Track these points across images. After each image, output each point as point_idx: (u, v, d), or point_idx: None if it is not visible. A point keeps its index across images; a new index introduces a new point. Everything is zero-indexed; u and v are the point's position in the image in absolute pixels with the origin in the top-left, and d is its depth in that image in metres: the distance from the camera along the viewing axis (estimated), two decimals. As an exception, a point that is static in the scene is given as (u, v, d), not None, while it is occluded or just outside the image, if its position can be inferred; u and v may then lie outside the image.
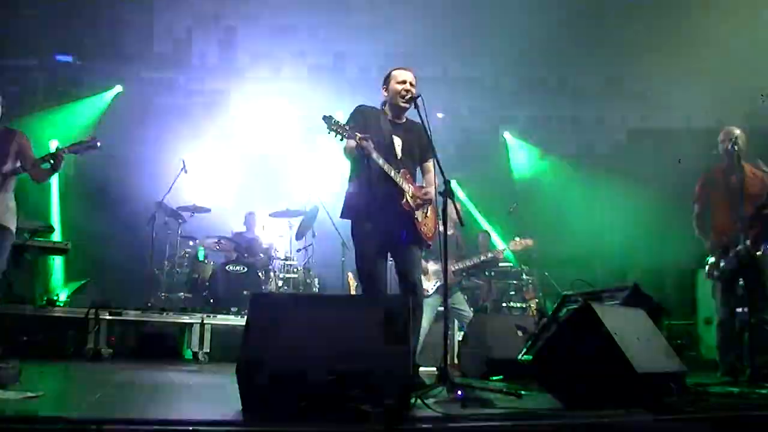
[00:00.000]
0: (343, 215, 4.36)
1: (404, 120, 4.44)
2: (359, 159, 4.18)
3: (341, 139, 4.02)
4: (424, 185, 4.44)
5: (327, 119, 3.96)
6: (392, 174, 4.15)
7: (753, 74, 7.15)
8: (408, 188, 4.24)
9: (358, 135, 3.99)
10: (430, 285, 6.71)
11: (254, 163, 10.68)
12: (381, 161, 4.11)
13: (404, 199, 4.20)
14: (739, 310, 5.35)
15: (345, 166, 4.47)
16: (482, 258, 7.11)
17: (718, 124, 6.21)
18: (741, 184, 5.05)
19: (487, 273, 8.41)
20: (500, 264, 8.25)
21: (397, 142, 4.34)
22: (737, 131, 5.29)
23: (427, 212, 4.35)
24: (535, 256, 8.03)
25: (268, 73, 10.26)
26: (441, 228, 4.15)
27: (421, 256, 4.44)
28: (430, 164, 4.46)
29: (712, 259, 5.25)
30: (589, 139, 10.85)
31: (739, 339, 5.22)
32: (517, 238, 7.17)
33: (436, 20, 8.77)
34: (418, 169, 4.54)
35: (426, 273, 6.75)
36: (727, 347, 5.29)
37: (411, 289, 4.23)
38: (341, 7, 8.78)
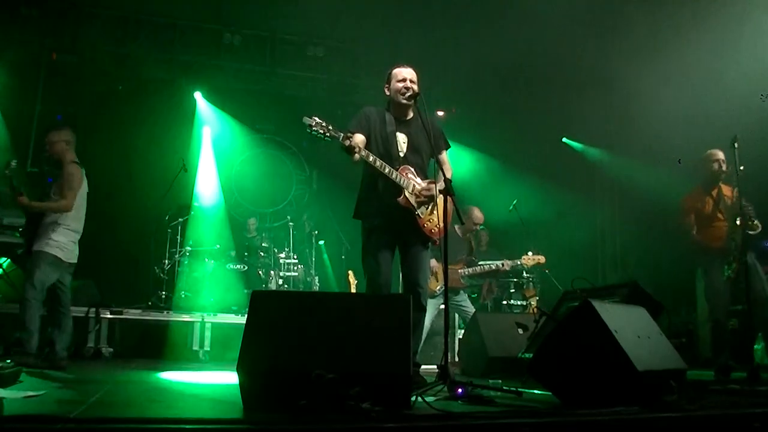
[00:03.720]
0: (354, 215, 4.42)
1: (409, 117, 4.45)
2: (363, 159, 4.19)
3: (323, 140, 4.03)
4: (432, 180, 4.40)
5: (307, 122, 3.97)
6: (386, 171, 4.17)
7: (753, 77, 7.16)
8: (408, 184, 4.24)
9: (342, 135, 3.99)
10: (438, 287, 6.73)
11: (255, 162, 10.69)
12: (371, 158, 4.13)
13: (401, 196, 4.21)
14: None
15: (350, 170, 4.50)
16: (493, 267, 7.22)
17: (721, 125, 6.24)
18: (726, 199, 5.61)
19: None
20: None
21: (402, 139, 4.36)
22: (721, 154, 5.68)
23: (431, 209, 4.34)
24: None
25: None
26: (456, 227, 4.13)
27: (427, 255, 4.43)
28: (443, 156, 4.47)
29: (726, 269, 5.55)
30: (590, 137, 10.84)
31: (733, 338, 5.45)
32: (530, 253, 7.35)
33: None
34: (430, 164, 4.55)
35: (436, 273, 6.76)
36: (722, 346, 5.53)
37: (414, 288, 4.24)
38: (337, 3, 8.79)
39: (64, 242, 5.18)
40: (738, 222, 5.30)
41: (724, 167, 5.66)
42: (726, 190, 5.73)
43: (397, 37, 9.31)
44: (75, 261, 5.36)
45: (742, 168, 5.15)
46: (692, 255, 6.03)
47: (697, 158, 6.02)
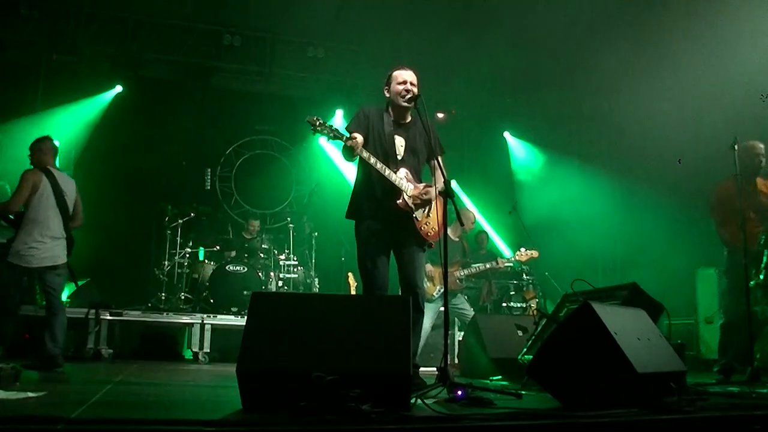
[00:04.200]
0: (347, 215, 4.39)
1: (408, 120, 4.44)
2: (360, 160, 4.20)
3: (328, 140, 4.06)
4: (428, 184, 4.41)
5: (311, 121, 3.99)
6: (386, 173, 4.17)
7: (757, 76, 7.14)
8: (406, 187, 4.24)
9: (345, 135, 4.01)
10: (435, 290, 6.74)
11: (255, 163, 10.70)
12: (372, 160, 4.14)
13: (400, 199, 4.21)
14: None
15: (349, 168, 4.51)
16: (488, 266, 7.24)
17: (720, 125, 6.24)
18: (755, 199, 5.32)
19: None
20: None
21: (400, 142, 4.36)
22: (762, 147, 5.41)
23: (428, 212, 4.35)
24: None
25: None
26: (448, 229, 4.13)
27: (423, 256, 4.43)
28: (439, 161, 4.47)
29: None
30: (589, 138, 10.85)
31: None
32: (523, 249, 7.35)
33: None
34: (426, 167, 4.55)
35: (432, 278, 6.77)
36: (728, 347, 5.43)
37: (411, 289, 4.24)
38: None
39: (19, 248, 5.23)
40: None
41: (764, 161, 5.39)
42: (762, 185, 5.44)
43: (398, 38, 9.31)
44: (48, 264, 5.33)
45: None
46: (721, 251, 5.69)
47: (707, 155, 5.88)
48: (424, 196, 4.28)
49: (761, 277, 5.22)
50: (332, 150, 10.55)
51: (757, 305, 5.35)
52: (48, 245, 5.30)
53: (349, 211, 4.40)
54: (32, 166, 5.48)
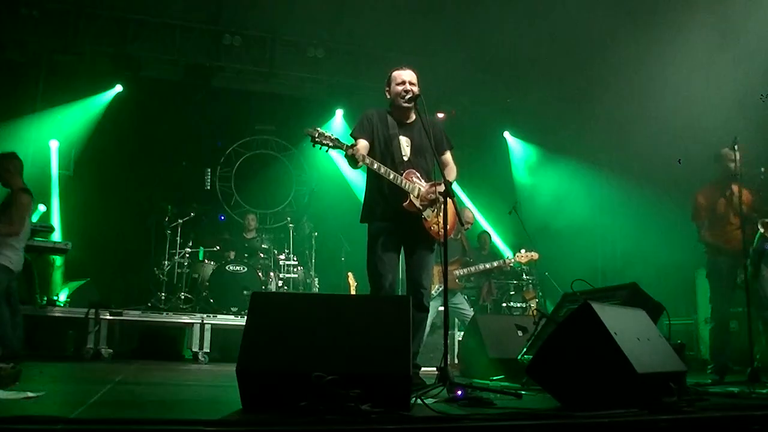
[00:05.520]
0: (362, 219, 4.41)
1: (412, 119, 4.44)
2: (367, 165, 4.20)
3: (327, 151, 4.05)
4: (435, 182, 4.39)
5: (310, 133, 3.98)
6: (391, 177, 4.16)
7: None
8: (413, 188, 4.23)
9: (345, 144, 4.00)
10: (434, 288, 6.75)
11: (255, 163, 10.70)
12: (375, 165, 4.13)
13: (407, 201, 4.21)
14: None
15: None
16: (488, 266, 7.27)
17: (723, 125, 6.22)
18: (737, 199, 5.38)
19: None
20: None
21: (405, 142, 4.35)
22: (731, 152, 5.44)
23: (438, 211, 4.34)
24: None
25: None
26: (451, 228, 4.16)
27: (432, 257, 4.42)
28: (447, 156, 4.49)
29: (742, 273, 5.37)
30: (590, 138, 10.84)
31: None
32: (523, 251, 7.41)
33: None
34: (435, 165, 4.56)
35: (432, 276, 6.79)
36: (722, 348, 5.54)
37: (417, 290, 4.24)
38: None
39: (15, 258, 5.63)
40: (762, 229, 5.19)
41: (733, 167, 5.41)
42: (738, 190, 5.49)
43: (398, 38, 9.32)
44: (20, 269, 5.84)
45: (764, 170, 5.08)
46: (704, 255, 5.85)
47: (707, 156, 5.94)
48: (430, 197, 4.27)
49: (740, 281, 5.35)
50: (332, 150, 10.55)
51: (740, 307, 5.43)
52: (21, 253, 5.80)
53: (363, 215, 4.41)
54: (5, 183, 5.84)
